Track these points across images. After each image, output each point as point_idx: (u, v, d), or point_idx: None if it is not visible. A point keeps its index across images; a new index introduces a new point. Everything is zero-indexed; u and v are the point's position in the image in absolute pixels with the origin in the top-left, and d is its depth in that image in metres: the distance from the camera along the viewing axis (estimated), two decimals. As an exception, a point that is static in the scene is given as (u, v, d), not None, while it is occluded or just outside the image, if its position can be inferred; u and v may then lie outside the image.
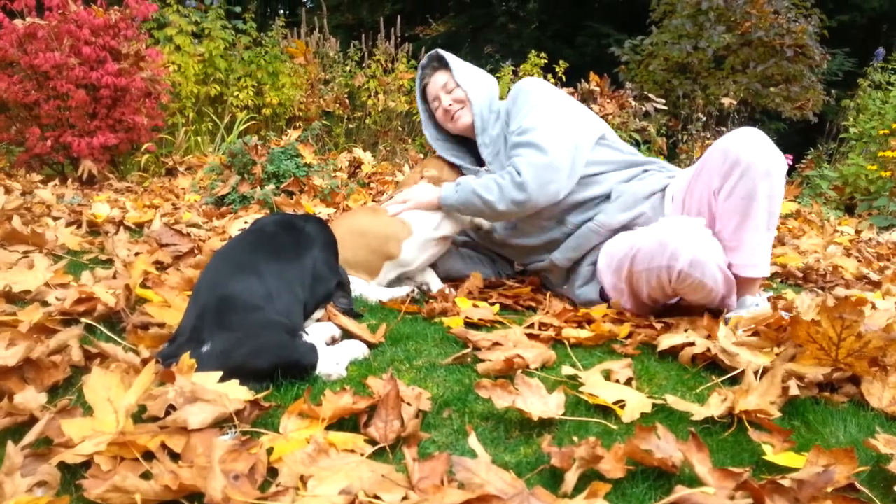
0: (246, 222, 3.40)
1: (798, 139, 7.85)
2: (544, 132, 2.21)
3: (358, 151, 6.07)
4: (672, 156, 6.86)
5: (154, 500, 1.06)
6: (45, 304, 1.97)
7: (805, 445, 1.38)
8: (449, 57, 2.46)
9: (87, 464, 1.16)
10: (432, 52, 2.52)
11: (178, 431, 1.25)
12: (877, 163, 5.73)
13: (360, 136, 7.79)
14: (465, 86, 2.40)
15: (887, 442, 1.34)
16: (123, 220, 3.37)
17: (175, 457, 1.20)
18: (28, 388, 1.35)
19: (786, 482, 1.09)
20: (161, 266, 2.54)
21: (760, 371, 1.63)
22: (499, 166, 2.41)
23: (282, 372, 1.57)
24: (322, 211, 4.14)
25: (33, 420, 1.28)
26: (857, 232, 4.60)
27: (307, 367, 1.61)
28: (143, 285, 2.17)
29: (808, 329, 1.62)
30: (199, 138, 6.54)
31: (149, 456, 1.18)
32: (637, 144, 5.73)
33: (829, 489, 1.10)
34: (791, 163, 6.54)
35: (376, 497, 1.08)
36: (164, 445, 1.21)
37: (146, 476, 1.11)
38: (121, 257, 2.54)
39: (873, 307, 2.18)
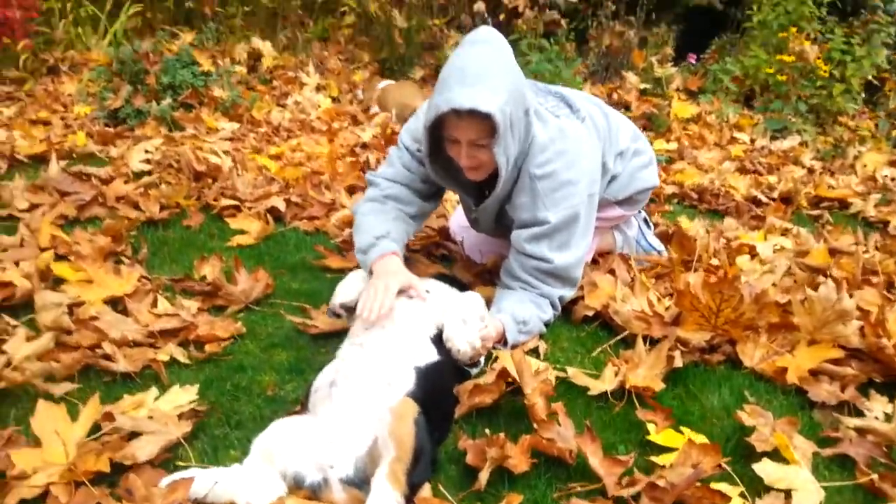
0: (147, 150, 3.20)
1: (705, 27, 7.89)
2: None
3: (256, 41, 5.74)
4: (581, 43, 6.77)
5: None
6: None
7: (685, 414, 1.60)
8: (499, 117, 1.64)
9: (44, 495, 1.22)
10: (475, 97, 1.62)
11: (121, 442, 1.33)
12: (774, 66, 5.87)
13: (257, 20, 7.22)
14: (500, 159, 1.74)
15: (752, 412, 1.55)
16: (14, 154, 3.11)
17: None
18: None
19: (661, 482, 1.26)
20: (67, 221, 2.43)
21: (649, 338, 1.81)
22: (487, 216, 2.07)
23: None
24: (226, 126, 3.96)
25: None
26: (752, 140, 4.82)
27: None
28: (57, 255, 2.09)
29: (691, 300, 1.80)
30: (80, 30, 5.93)
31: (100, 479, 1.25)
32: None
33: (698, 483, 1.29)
34: (694, 60, 6.64)
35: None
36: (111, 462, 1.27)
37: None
38: (20, 209, 2.43)
39: (754, 253, 2.40)
